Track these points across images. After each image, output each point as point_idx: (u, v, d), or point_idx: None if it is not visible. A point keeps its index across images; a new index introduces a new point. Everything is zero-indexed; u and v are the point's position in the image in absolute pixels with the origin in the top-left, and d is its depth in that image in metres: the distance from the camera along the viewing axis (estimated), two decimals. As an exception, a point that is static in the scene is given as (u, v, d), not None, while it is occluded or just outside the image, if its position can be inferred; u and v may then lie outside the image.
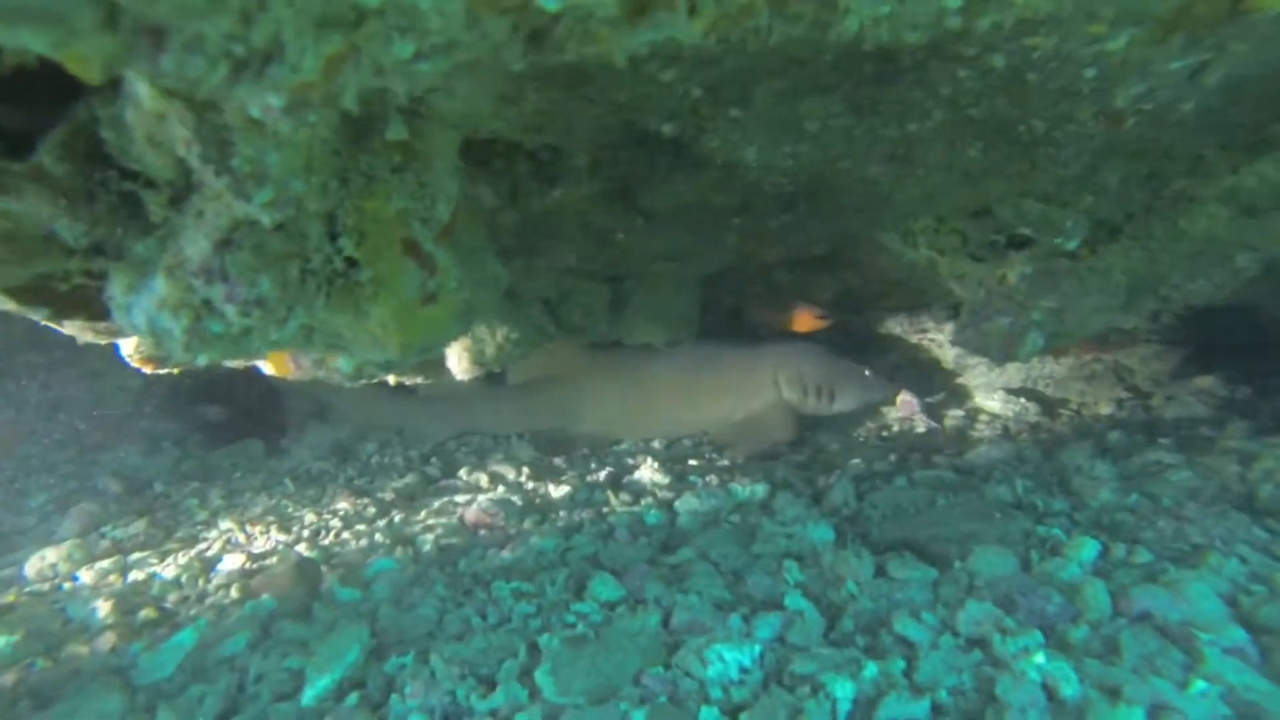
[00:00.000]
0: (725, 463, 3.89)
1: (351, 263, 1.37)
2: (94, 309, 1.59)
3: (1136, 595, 1.78)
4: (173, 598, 2.59)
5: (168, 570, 2.84)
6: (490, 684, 1.75)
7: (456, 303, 1.46)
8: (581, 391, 4.51)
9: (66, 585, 2.95)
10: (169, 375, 6.13)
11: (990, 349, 2.72)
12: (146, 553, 3.23)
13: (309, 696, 1.76)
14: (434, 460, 4.55)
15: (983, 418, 4.37)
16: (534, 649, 1.88)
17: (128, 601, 2.55)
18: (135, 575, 2.92)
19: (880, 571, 2.17)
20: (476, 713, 1.64)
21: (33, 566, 3.12)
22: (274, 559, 2.90)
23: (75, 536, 3.57)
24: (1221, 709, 1.44)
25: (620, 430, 4.48)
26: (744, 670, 1.69)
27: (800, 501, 2.89)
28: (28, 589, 2.86)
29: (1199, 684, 1.47)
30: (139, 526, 3.62)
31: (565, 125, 2.01)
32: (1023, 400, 4.44)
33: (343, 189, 1.32)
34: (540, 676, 1.70)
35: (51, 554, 3.15)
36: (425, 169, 1.43)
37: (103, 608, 2.46)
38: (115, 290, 1.43)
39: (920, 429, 4.30)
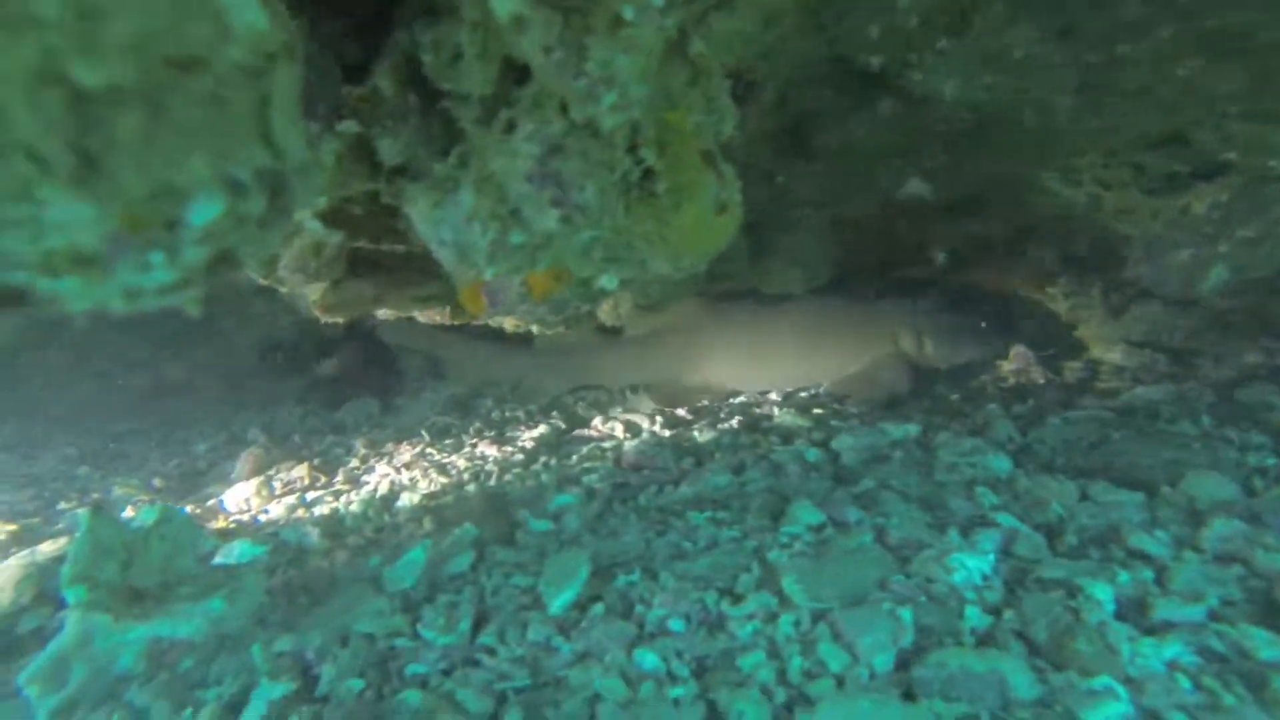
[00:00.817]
0: (853, 410, 3.91)
1: (648, 174, 1.43)
2: (378, 231, 1.69)
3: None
4: (368, 529, 2.73)
5: (352, 506, 3.00)
6: (733, 595, 1.83)
7: (740, 213, 1.50)
8: (700, 343, 4.54)
9: (262, 517, 3.15)
10: (290, 336, 6.35)
11: (1169, 283, 2.68)
12: (320, 492, 3.41)
13: (556, 607, 1.85)
14: (555, 414, 4.65)
15: (1104, 369, 4.28)
16: (765, 564, 1.95)
17: (331, 529, 2.71)
18: (319, 510, 3.09)
19: (1083, 495, 2.18)
20: (733, 618, 1.72)
21: (231, 499, 3.33)
22: (449, 497, 3.03)
23: (248, 478, 3.80)
24: None
25: (738, 382, 4.53)
26: (985, 578, 1.73)
27: (963, 438, 2.90)
28: (232, 518, 3.05)
29: None
30: (301, 471, 3.81)
31: (791, 55, 2.04)
32: (1149, 350, 4.32)
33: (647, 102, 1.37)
34: (788, 585, 1.76)
35: (243, 489, 3.36)
36: (710, 85, 1.47)
37: (313, 532, 2.62)
38: (419, 208, 1.52)
39: (1039, 380, 4.25)
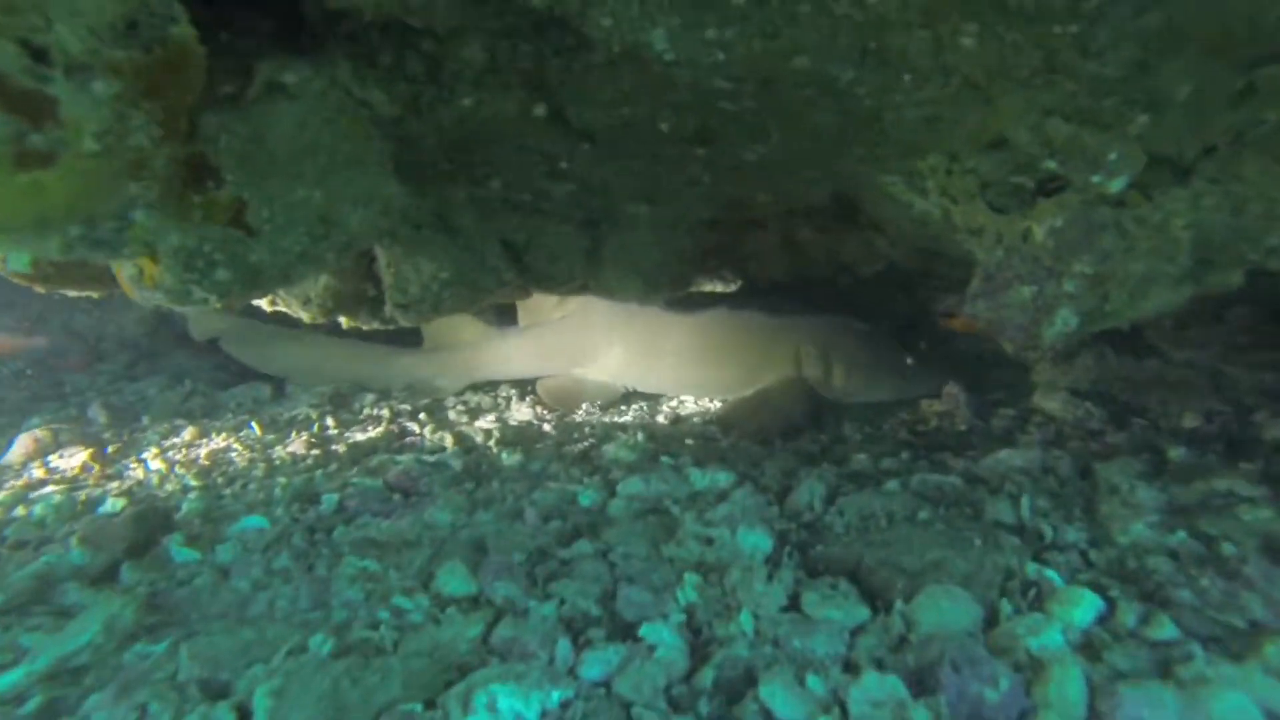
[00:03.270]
0: (725, 444, 3.39)
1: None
2: None
3: (1127, 697, 1.17)
4: (13, 541, 2.32)
5: (36, 508, 2.59)
6: (218, 695, 1.35)
7: (97, 169, 1.02)
8: (594, 338, 4.17)
9: (-39, 513, 2.77)
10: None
11: (1007, 327, 2.09)
12: (58, 487, 3.02)
13: (4, 683, 1.40)
14: (421, 416, 4.23)
15: (1036, 419, 3.68)
16: (299, 652, 1.46)
17: (-27, 537, 2.31)
18: (19, 510, 2.70)
19: (794, 604, 1.63)
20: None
21: (-61, 491, 2.97)
22: (138, 508, 2.59)
23: (19, 462, 3.46)
24: None
25: (631, 382, 4.17)
26: (523, 727, 1.21)
27: (756, 498, 2.36)
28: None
29: None
30: (81, 458, 3.44)
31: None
32: (1088, 404, 3.71)
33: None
34: (259, 698, 1.27)
35: (-39, 478, 2.99)
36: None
37: (-62, 542, 2.23)
38: None
39: (961, 427, 3.67)
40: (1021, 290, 2.05)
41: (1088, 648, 1.36)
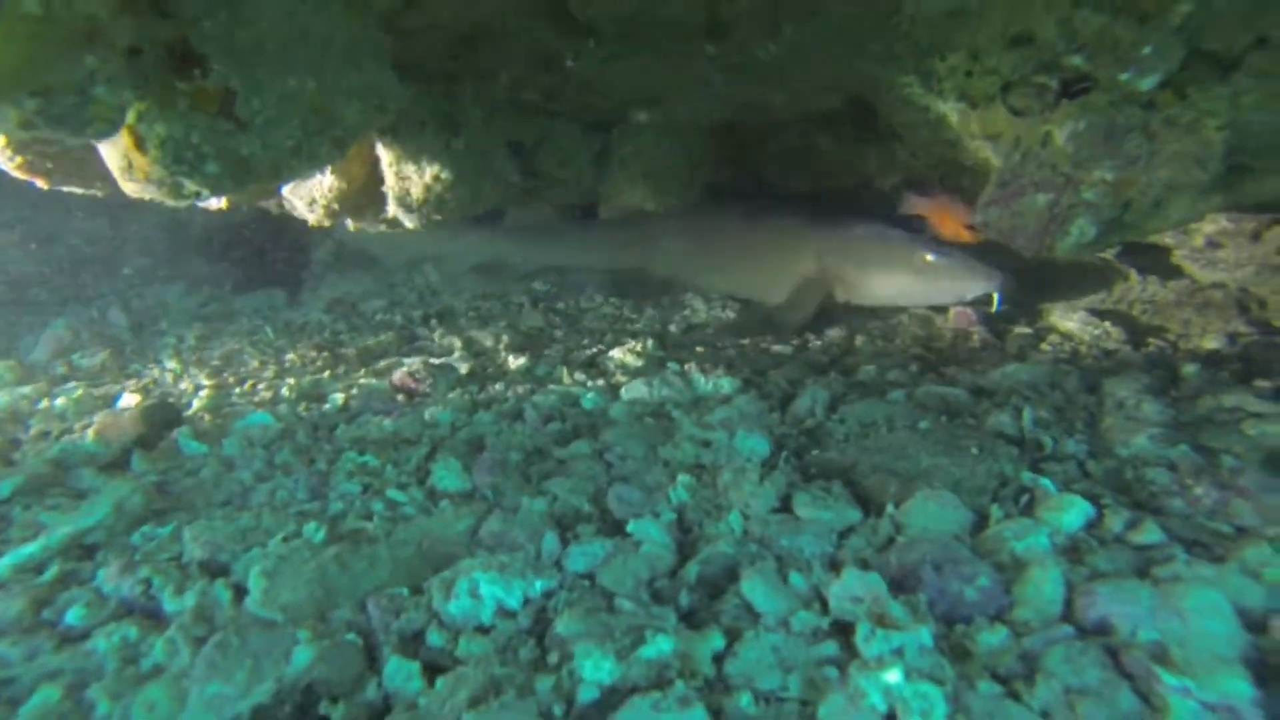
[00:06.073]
0: (732, 352, 3.39)
1: None
2: None
3: (1101, 593, 1.18)
4: (36, 430, 2.38)
5: (58, 401, 2.65)
6: (215, 575, 1.40)
7: (42, 34, 0.98)
8: (653, 234, 4.36)
9: (-17, 406, 2.84)
10: (212, 219, 6.01)
11: (1019, 235, 2.02)
12: (80, 384, 3.08)
13: (4, 564, 1.45)
14: (432, 322, 4.24)
15: (1052, 338, 3.62)
16: (293, 538, 1.50)
17: (-8, 428, 2.38)
18: (44, 404, 2.77)
19: (785, 505, 1.64)
20: (159, 614, 1.30)
21: (-34, 385, 3.04)
22: (148, 403, 2.65)
23: (45, 359, 3.53)
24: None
25: (685, 279, 4.36)
26: (505, 613, 1.24)
27: (758, 404, 2.35)
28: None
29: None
30: (102, 358, 3.51)
31: None
32: (1107, 324, 3.64)
33: None
34: (253, 579, 1.31)
35: (-15, 374, 3.07)
36: None
37: (-38, 430, 2.30)
38: None
39: (974, 344, 3.62)
40: (1036, 198, 1.97)
41: (1072, 551, 1.37)
